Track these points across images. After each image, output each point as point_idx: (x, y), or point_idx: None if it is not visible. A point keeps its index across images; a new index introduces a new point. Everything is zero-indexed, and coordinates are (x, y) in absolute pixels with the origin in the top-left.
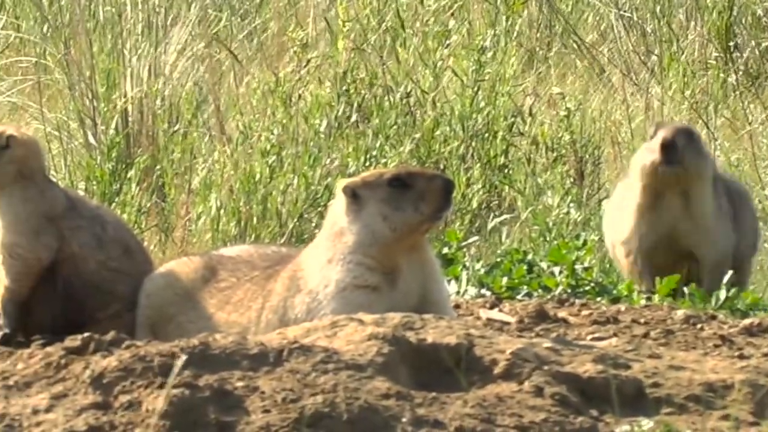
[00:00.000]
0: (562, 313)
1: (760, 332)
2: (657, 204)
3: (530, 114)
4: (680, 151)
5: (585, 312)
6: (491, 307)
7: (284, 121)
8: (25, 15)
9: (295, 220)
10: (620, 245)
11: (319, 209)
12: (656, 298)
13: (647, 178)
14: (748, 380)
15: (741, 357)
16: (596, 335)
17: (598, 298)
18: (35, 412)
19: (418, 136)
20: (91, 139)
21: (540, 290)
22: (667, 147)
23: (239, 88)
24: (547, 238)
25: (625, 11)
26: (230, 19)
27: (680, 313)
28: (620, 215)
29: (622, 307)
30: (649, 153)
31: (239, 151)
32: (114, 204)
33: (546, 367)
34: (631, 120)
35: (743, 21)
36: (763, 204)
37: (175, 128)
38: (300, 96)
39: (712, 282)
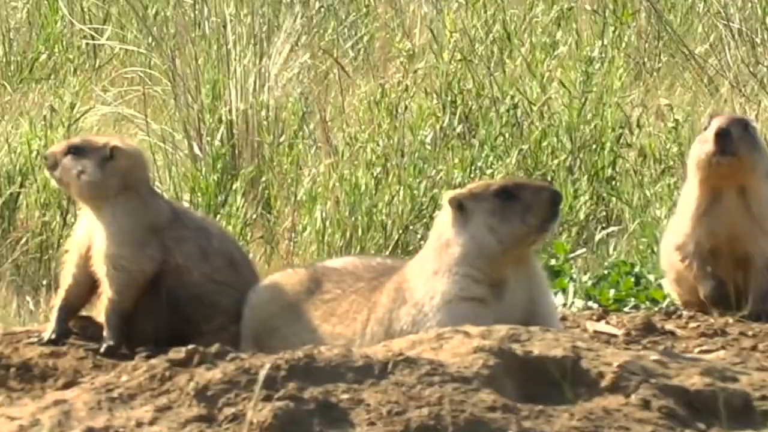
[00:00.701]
0: (669, 326)
1: None
2: (715, 205)
3: (638, 125)
4: (735, 141)
5: (692, 324)
6: (598, 320)
7: (390, 132)
8: (130, 26)
9: (401, 231)
10: (675, 251)
11: (425, 221)
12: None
13: (702, 171)
14: None
15: None
16: (704, 348)
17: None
18: (139, 424)
19: (524, 147)
20: (197, 150)
21: (647, 302)
22: (721, 136)
23: (345, 99)
24: (655, 251)
25: (734, 22)
26: (336, 29)
27: None
28: (677, 219)
29: (730, 319)
30: (702, 144)
31: (344, 163)
32: (219, 216)
33: (653, 380)
34: None
35: None
36: None
37: (281, 139)
38: (406, 107)
39: (761, 282)
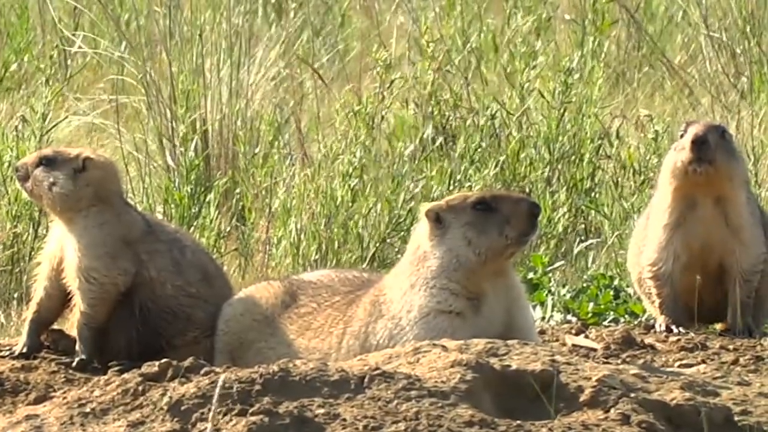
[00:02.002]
0: (649, 340)
1: None
2: (689, 214)
3: (617, 136)
4: (712, 148)
5: (673, 338)
6: (577, 333)
7: (367, 143)
8: (103, 34)
9: (378, 244)
10: (647, 268)
11: (402, 233)
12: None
13: (677, 180)
14: None
15: None
16: (684, 362)
17: None
18: None
19: (503, 158)
20: (170, 161)
21: (627, 316)
22: (698, 143)
23: (321, 110)
24: None
25: (714, 32)
26: (312, 39)
27: None
28: (650, 232)
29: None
30: (678, 152)
31: (321, 174)
32: (193, 228)
33: (633, 395)
34: None
35: None
36: None
37: (256, 150)
38: (383, 118)
39: (742, 294)
